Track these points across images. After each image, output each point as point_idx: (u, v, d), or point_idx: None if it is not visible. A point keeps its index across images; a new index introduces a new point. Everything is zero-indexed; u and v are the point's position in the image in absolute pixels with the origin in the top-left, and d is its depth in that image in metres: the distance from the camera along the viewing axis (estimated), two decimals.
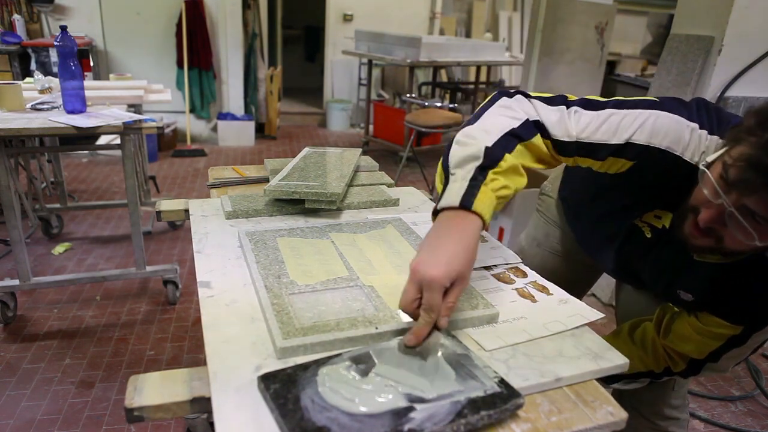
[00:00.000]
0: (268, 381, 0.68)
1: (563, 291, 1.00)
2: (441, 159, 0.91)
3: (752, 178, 0.73)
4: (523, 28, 6.74)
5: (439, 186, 0.88)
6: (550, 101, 0.94)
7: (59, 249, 2.88)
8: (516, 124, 0.89)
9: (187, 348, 2.17)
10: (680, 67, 2.25)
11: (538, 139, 0.90)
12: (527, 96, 0.95)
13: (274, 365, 0.73)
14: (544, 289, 1.00)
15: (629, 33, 7.02)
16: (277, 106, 5.49)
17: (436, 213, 0.83)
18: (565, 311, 0.92)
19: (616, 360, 0.81)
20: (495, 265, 1.08)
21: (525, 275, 1.05)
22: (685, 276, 1.00)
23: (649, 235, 1.03)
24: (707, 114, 0.90)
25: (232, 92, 5.36)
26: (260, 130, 5.52)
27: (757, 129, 0.75)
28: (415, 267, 0.74)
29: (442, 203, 0.81)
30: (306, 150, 1.60)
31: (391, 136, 5.05)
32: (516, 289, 0.99)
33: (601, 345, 0.84)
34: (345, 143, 5.64)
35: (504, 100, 0.94)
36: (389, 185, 1.49)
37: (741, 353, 1.00)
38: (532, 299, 0.96)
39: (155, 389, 0.72)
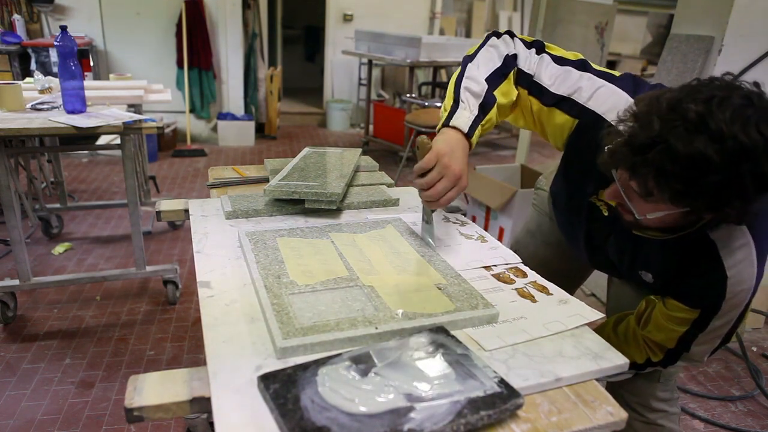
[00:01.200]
0: (268, 381, 0.68)
1: (563, 291, 1.00)
2: (453, 80, 1.12)
3: (621, 154, 0.83)
4: (523, 28, 6.74)
5: (448, 102, 1.09)
6: (528, 44, 1.12)
7: (59, 249, 2.88)
8: (499, 62, 1.09)
9: (187, 348, 2.17)
10: (680, 67, 2.25)
11: (515, 72, 1.09)
12: (512, 36, 1.13)
13: (274, 365, 0.73)
14: (544, 289, 1.00)
15: (629, 33, 7.02)
16: (277, 106, 5.49)
17: (446, 125, 1.06)
18: (565, 311, 0.92)
19: (616, 360, 0.81)
20: (495, 265, 1.08)
21: (525, 275, 1.05)
22: (641, 255, 1.05)
23: (606, 213, 1.08)
24: (640, 91, 0.99)
25: (232, 92, 5.36)
26: (260, 130, 5.52)
27: (629, 118, 0.84)
28: (447, 163, 1.00)
29: (454, 122, 1.05)
30: (306, 150, 1.60)
31: (391, 136, 5.04)
32: (516, 289, 0.99)
33: (601, 345, 0.84)
34: (345, 143, 5.64)
35: (493, 39, 1.13)
36: (389, 185, 1.49)
37: (707, 340, 1.02)
38: (532, 299, 0.96)
39: (155, 389, 0.72)
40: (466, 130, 1.05)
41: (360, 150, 1.63)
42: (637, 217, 0.88)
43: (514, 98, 1.11)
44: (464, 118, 1.05)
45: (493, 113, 1.08)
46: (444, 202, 1.04)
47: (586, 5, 3.77)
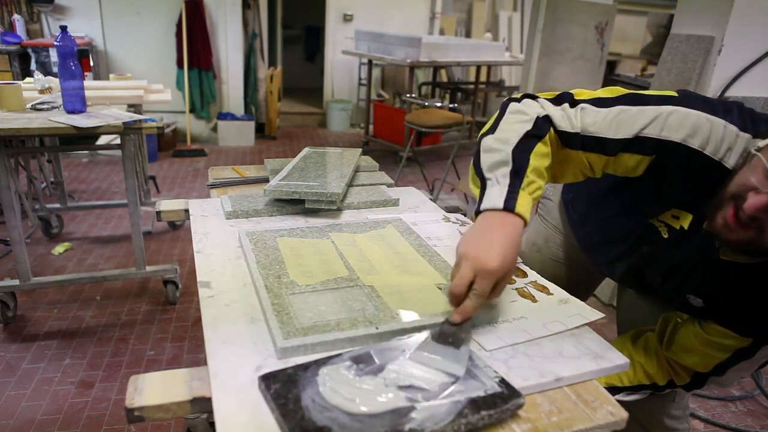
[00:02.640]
0: (268, 381, 0.68)
1: (563, 291, 1.00)
2: (472, 166, 0.95)
3: None
4: (523, 28, 6.74)
5: (475, 190, 0.92)
6: (555, 100, 0.96)
7: (59, 249, 2.88)
8: (529, 125, 0.91)
9: (187, 348, 2.17)
10: (680, 67, 2.25)
11: (552, 134, 0.92)
12: (533, 97, 0.97)
13: (275, 365, 0.73)
14: (544, 289, 1.00)
15: (629, 33, 7.02)
16: (277, 106, 5.49)
17: (478, 213, 0.87)
18: (565, 311, 0.92)
19: (616, 360, 0.81)
20: None
21: (525, 275, 1.05)
22: (697, 279, 0.96)
23: (666, 236, 0.98)
24: (739, 112, 0.87)
25: (232, 92, 5.36)
26: (260, 130, 5.52)
27: None
28: (476, 255, 0.78)
29: (485, 205, 0.85)
30: (306, 150, 1.60)
31: (391, 136, 5.05)
32: (516, 289, 0.99)
33: (602, 345, 0.84)
34: (345, 143, 5.64)
35: (513, 105, 0.96)
36: (389, 185, 1.49)
37: (748, 367, 0.97)
38: (532, 299, 0.96)
39: (155, 389, 0.72)
40: (501, 205, 0.83)
41: (360, 150, 1.63)
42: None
43: (561, 161, 0.96)
44: (494, 194, 0.85)
45: (534, 173, 0.88)
46: (472, 300, 0.78)
47: (586, 5, 3.77)
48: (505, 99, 1.01)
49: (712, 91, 2.19)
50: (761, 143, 0.80)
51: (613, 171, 0.95)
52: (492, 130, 0.94)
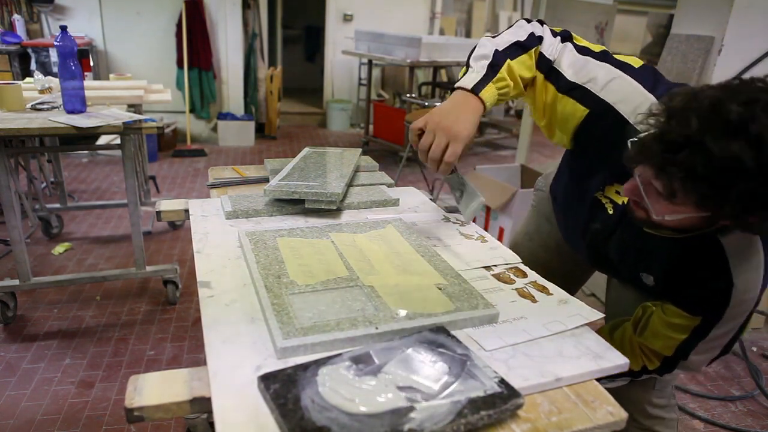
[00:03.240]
0: (268, 381, 0.68)
1: (563, 291, 1.00)
2: (466, 58, 1.11)
3: (642, 152, 0.81)
4: None
5: (461, 73, 1.09)
6: (556, 33, 1.11)
7: (59, 249, 2.88)
8: (522, 37, 1.07)
9: (187, 348, 2.17)
10: (680, 67, 2.25)
11: (536, 50, 1.07)
12: (542, 23, 1.12)
13: (274, 365, 0.73)
14: (544, 289, 1.00)
15: (629, 33, 7.02)
16: (277, 106, 5.49)
17: (452, 90, 1.05)
18: (565, 311, 0.92)
19: (616, 360, 0.81)
20: (495, 265, 1.08)
21: (525, 275, 1.05)
22: (645, 256, 1.03)
23: (611, 212, 1.06)
24: (659, 85, 0.97)
25: (232, 92, 5.36)
26: (260, 130, 5.52)
27: (663, 113, 0.80)
28: (448, 126, 0.99)
29: (460, 84, 1.04)
30: (306, 150, 1.60)
31: (391, 136, 5.04)
32: (516, 289, 0.99)
33: (601, 345, 0.84)
34: (345, 143, 5.64)
35: (521, 21, 1.13)
36: (389, 185, 1.49)
37: (707, 349, 1.00)
38: (532, 299, 0.96)
39: (155, 389, 0.72)
40: (470, 86, 1.02)
41: (360, 150, 1.63)
42: (654, 217, 0.85)
43: (531, 76, 1.09)
44: (470, 78, 1.04)
45: (505, 73, 1.04)
46: (447, 159, 1.00)
47: (586, 5, 3.77)
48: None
49: None
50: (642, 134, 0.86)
51: (555, 111, 1.08)
52: (495, 35, 1.10)
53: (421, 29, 6.33)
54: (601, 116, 0.99)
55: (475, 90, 1.02)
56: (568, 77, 1.04)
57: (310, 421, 0.61)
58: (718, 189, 0.74)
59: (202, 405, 0.72)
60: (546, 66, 1.07)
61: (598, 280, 2.21)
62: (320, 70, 6.59)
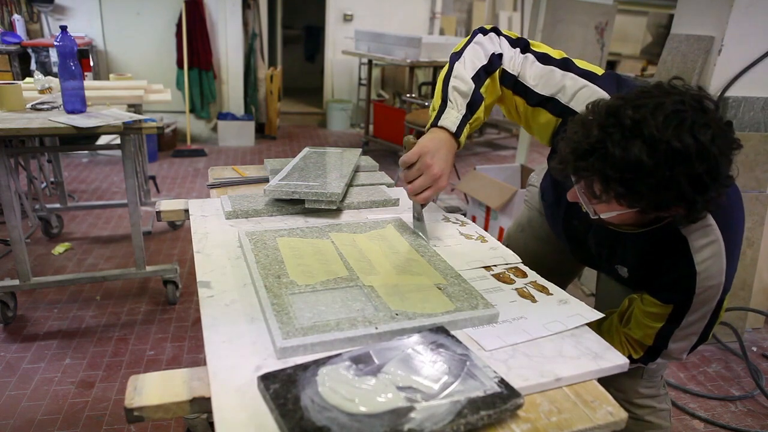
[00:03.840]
0: (268, 381, 0.68)
1: (563, 291, 1.00)
2: (441, 79, 1.13)
3: (562, 160, 0.88)
4: (523, 28, 6.74)
5: (436, 102, 1.12)
6: (513, 42, 1.13)
7: (59, 249, 2.88)
8: (485, 61, 1.10)
9: (187, 348, 2.17)
10: (680, 67, 2.25)
11: (498, 72, 1.11)
12: (498, 33, 1.15)
13: (274, 365, 0.73)
14: (544, 289, 1.00)
15: (629, 33, 7.02)
16: (277, 106, 5.49)
17: (434, 125, 1.09)
18: (565, 311, 0.92)
19: (616, 360, 0.81)
20: (495, 265, 1.08)
21: (525, 275, 1.05)
22: (618, 250, 1.08)
23: (585, 209, 1.08)
24: (622, 89, 1.01)
25: (232, 92, 5.36)
26: (260, 130, 5.52)
27: (580, 121, 0.87)
28: (437, 173, 1.04)
29: (442, 123, 1.08)
30: (306, 150, 1.60)
31: (391, 136, 5.04)
32: (516, 289, 0.99)
33: (601, 345, 0.84)
34: (345, 143, 5.64)
35: (479, 36, 1.14)
36: (389, 185, 1.49)
37: (684, 336, 1.03)
38: (532, 299, 0.96)
39: (155, 389, 0.72)
40: (454, 129, 1.07)
41: (360, 150, 1.63)
42: (592, 216, 0.93)
43: (499, 96, 1.14)
44: (452, 117, 1.08)
45: (480, 111, 1.10)
46: (421, 199, 1.08)
47: (586, 5, 3.77)
48: (476, 28, 1.18)
49: (712, 91, 2.19)
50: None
51: (531, 122, 1.12)
52: (459, 55, 1.13)
53: (421, 29, 6.33)
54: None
55: (457, 133, 1.08)
56: (537, 91, 1.08)
57: (310, 421, 0.61)
58: (630, 186, 0.82)
59: (202, 405, 0.72)
60: (510, 81, 1.11)
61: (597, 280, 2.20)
62: (320, 70, 6.58)
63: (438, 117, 1.09)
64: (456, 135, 1.08)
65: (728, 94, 2.18)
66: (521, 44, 1.13)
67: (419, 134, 1.14)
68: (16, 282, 2.21)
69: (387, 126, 5.12)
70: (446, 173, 1.06)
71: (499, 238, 2.89)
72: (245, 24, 5.27)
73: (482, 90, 1.10)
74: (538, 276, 1.05)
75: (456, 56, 1.13)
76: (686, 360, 2.23)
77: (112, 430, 1.75)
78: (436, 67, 5.77)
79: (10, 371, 1.98)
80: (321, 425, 0.61)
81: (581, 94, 1.03)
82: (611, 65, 5.74)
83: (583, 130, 0.85)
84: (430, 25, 6.46)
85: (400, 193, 1.45)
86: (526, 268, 1.08)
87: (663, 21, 6.78)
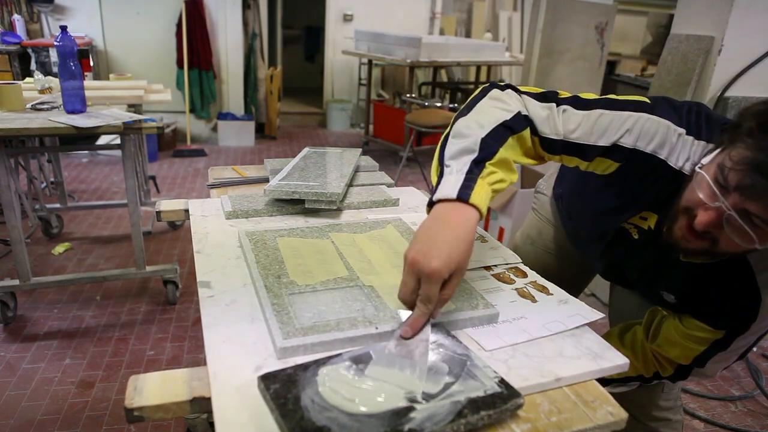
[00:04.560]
0: (268, 381, 0.68)
1: (563, 291, 1.00)
2: (437, 151, 0.91)
3: (756, 182, 0.72)
4: (523, 28, 6.74)
5: (434, 178, 0.88)
6: (540, 97, 0.94)
7: (59, 249, 2.88)
8: (508, 116, 0.89)
9: (187, 348, 2.17)
10: (680, 67, 2.25)
11: (527, 133, 0.91)
12: (517, 91, 0.95)
13: (274, 365, 0.73)
14: (544, 289, 1.00)
15: (629, 33, 7.02)
16: (277, 106, 5.49)
17: (431, 204, 0.83)
18: (565, 311, 0.92)
19: (616, 360, 0.81)
20: (495, 265, 1.08)
21: (525, 275, 1.05)
22: (667, 277, 1.00)
23: (636, 237, 1.03)
24: (696, 118, 0.90)
25: (232, 92, 5.36)
26: (260, 130, 5.52)
27: (757, 132, 0.74)
28: (414, 258, 0.74)
29: (438, 195, 0.81)
30: (306, 150, 1.60)
31: (391, 136, 5.05)
32: (516, 289, 0.99)
33: (601, 345, 0.84)
34: (345, 143, 5.64)
35: (495, 92, 0.94)
36: (389, 185, 1.49)
37: (727, 358, 0.99)
38: (532, 299, 0.96)
39: (155, 389, 0.72)
40: (455, 195, 0.79)
41: (360, 150, 1.63)
42: (758, 246, 0.77)
43: (533, 159, 0.96)
44: (450, 183, 0.81)
45: (500, 165, 0.86)
46: (437, 308, 0.77)
47: (586, 5, 3.77)
48: (486, 85, 0.97)
49: (712, 91, 2.19)
50: (705, 160, 0.82)
51: (586, 168, 0.97)
52: (467, 110, 0.91)
53: (421, 29, 6.33)
54: (640, 163, 0.90)
55: (462, 197, 0.79)
56: (592, 143, 0.90)
57: (310, 421, 0.61)
58: None
59: (202, 405, 0.72)
60: (559, 146, 0.92)
61: (598, 281, 2.21)
62: (320, 70, 6.58)
63: (434, 192, 0.83)
64: (462, 198, 0.79)
65: (728, 94, 2.18)
66: (550, 97, 0.94)
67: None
68: (16, 282, 2.21)
69: (387, 126, 5.12)
70: (447, 254, 0.73)
71: (500, 238, 2.88)
72: (245, 24, 5.27)
73: (502, 149, 0.86)
74: (538, 276, 1.05)
75: (460, 114, 0.93)
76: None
77: (112, 430, 1.75)
78: (436, 67, 5.79)
79: (10, 371, 1.98)
80: (321, 425, 0.61)
81: (645, 131, 0.88)
82: (611, 65, 5.73)
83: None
84: (430, 25, 6.46)
85: (400, 193, 1.45)
86: (526, 268, 1.08)
87: (663, 21, 6.78)
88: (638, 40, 7.05)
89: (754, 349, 2.36)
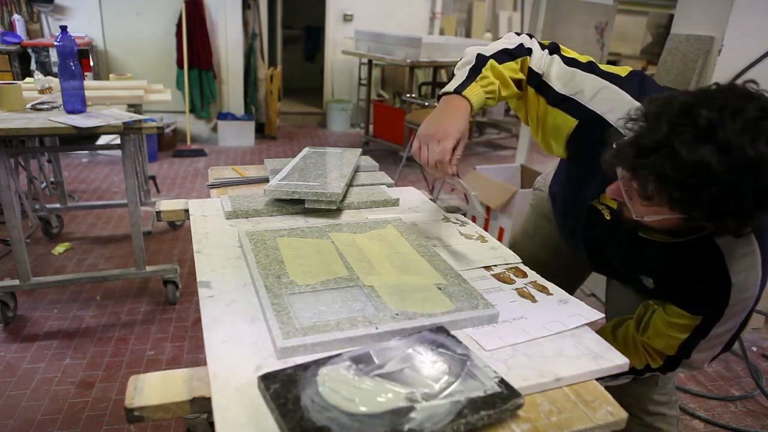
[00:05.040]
0: (268, 381, 0.68)
1: (563, 291, 1.00)
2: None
3: (619, 154, 0.84)
4: (523, 28, 6.74)
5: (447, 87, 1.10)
6: (544, 46, 1.13)
7: (59, 249, 2.88)
8: (512, 45, 1.10)
9: (187, 348, 2.17)
10: (680, 67, 2.25)
11: (524, 60, 1.10)
12: (531, 36, 1.15)
13: (274, 365, 0.73)
14: (544, 289, 1.00)
15: (629, 33, 7.02)
16: (277, 106, 5.49)
17: (439, 98, 1.08)
18: (565, 311, 0.92)
19: (616, 360, 0.81)
20: (495, 265, 1.08)
21: (525, 275, 1.05)
22: (644, 261, 1.04)
23: (608, 217, 1.07)
24: (647, 91, 0.99)
25: (232, 92, 5.36)
26: (260, 130, 5.51)
27: (639, 118, 0.83)
28: (434, 133, 1.00)
29: (443, 90, 1.07)
30: (306, 150, 1.60)
31: (391, 136, 5.04)
32: (516, 289, 0.99)
33: (601, 345, 0.84)
34: (345, 143, 5.64)
35: (511, 34, 1.16)
36: (389, 185, 1.49)
37: (708, 347, 1.01)
38: (532, 299, 0.96)
39: (155, 389, 0.72)
40: (452, 89, 1.05)
41: (360, 150, 1.63)
42: (635, 217, 0.87)
43: (522, 77, 1.11)
44: (452, 83, 1.07)
45: (489, 73, 1.06)
46: (438, 158, 1.00)
47: (586, 5, 3.77)
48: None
49: None
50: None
51: (546, 124, 1.10)
52: (484, 47, 1.12)
53: (421, 29, 6.33)
54: (591, 126, 1.01)
55: (458, 91, 1.04)
56: (557, 90, 1.06)
57: (310, 421, 0.61)
58: (688, 192, 0.76)
59: (202, 405, 0.72)
60: (536, 79, 1.09)
61: (598, 280, 2.21)
62: (320, 70, 6.58)
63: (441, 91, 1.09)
64: (458, 92, 1.04)
65: None
66: (551, 47, 1.12)
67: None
68: (16, 282, 2.21)
69: (387, 126, 5.12)
70: (449, 125, 1.00)
71: (500, 238, 2.89)
72: (245, 24, 5.27)
73: (495, 63, 1.07)
74: (538, 276, 1.05)
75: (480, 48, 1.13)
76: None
77: (112, 430, 1.75)
78: (436, 67, 5.78)
79: (10, 371, 1.98)
80: (321, 425, 0.61)
81: (602, 94, 1.01)
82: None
83: (648, 125, 0.79)
84: (430, 25, 6.46)
85: (400, 193, 1.45)
86: (526, 268, 1.08)
87: (663, 21, 6.78)
88: (638, 40, 7.05)
89: (753, 348, 2.36)
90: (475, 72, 1.06)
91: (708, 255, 0.92)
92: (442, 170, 1.01)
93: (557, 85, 1.06)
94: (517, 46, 1.10)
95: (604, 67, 1.07)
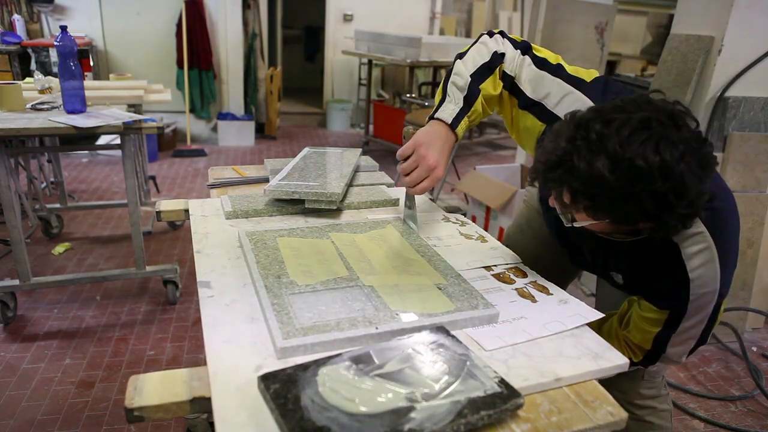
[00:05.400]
0: (268, 381, 0.68)
1: (563, 291, 1.00)
2: (443, 81, 1.16)
3: (532, 170, 0.90)
4: (523, 28, 6.74)
5: (437, 97, 1.16)
6: (517, 44, 1.15)
7: (59, 249, 2.88)
8: (488, 56, 1.13)
9: (187, 348, 2.17)
10: (680, 67, 2.25)
11: (501, 67, 1.13)
12: (503, 35, 1.17)
13: (274, 365, 0.73)
14: (544, 289, 1.00)
15: (629, 33, 7.02)
16: (277, 106, 5.49)
17: (431, 118, 1.12)
18: (565, 311, 0.92)
19: (616, 360, 0.81)
20: (495, 265, 1.08)
21: (525, 275, 1.05)
22: (613, 257, 1.08)
23: None
24: (608, 97, 1.03)
25: (232, 92, 5.36)
26: (260, 130, 5.51)
27: (554, 131, 0.88)
28: (432, 165, 1.06)
29: (440, 115, 1.11)
30: (306, 150, 1.60)
31: (391, 136, 5.04)
32: (516, 289, 0.99)
33: (601, 345, 0.84)
34: (345, 143, 5.64)
35: (485, 37, 1.17)
36: (389, 185, 1.49)
37: (681, 341, 1.03)
38: (532, 299, 0.96)
39: (155, 389, 0.72)
40: (449, 121, 1.09)
41: (360, 150, 1.63)
42: (565, 224, 0.92)
43: (500, 91, 1.15)
44: (449, 110, 1.10)
45: (479, 104, 1.12)
46: (418, 190, 1.09)
47: (586, 5, 3.77)
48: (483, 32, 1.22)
49: (712, 91, 2.19)
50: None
51: (519, 127, 1.14)
52: (462, 55, 1.16)
53: (421, 29, 6.33)
54: None
55: (453, 125, 1.09)
56: (527, 94, 1.10)
57: (310, 421, 0.61)
58: (594, 200, 0.81)
59: (202, 405, 0.72)
60: (509, 82, 1.13)
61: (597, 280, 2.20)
62: (320, 70, 6.58)
63: (436, 110, 1.12)
64: (452, 127, 1.09)
65: (728, 94, 2.18)
66: (522, 46, 1.14)
67: (419, 127, 1.14)
68: (16, 282, 2.21)
69: (387, 126, 5.11)
70: (442, 164, 1.07)
71: (499, 238, 2.88)
72: (245, 24, 5.27)
73: (482, 86, 1.11)
74: (538, 276, 1.05)
75: (460, 56, 1.16)
76: (686, 361, 2.23)
77: (112, 430, 1.75)
78: (436, 67, 5.78)
79: (10, 371, 1.98)
80: (321, 425, 0.61)
81: (566, 101, 1.04)
82: (611, 65, 5.74)
83: (554, 142, 0.85)
84: (430, 25, 6.46)
85: (400, 193, 1.45)
86: (526, 268, 1.08)
87: (663, 21, 6.78)
88: (638, 40, 7.05)
89: (753, 348, 2.36)
90: (468, 104, 1.11)
91: (665, 252, 0.95)
92: (412, 190, 1.10)
93: (528, 90, 1.10)
94: (492, 56, 1.13)
95: (571, 69, 1.10)
